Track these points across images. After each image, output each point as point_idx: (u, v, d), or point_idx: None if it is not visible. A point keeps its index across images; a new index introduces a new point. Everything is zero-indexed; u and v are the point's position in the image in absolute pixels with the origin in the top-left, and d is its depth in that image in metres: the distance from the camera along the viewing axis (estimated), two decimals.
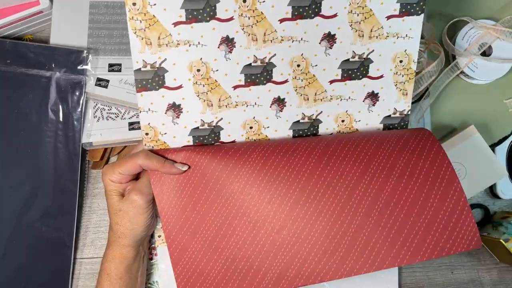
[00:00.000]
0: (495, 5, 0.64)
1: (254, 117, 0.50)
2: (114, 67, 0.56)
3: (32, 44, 0.56)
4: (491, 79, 0.63)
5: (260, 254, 0.47)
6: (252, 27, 0.46)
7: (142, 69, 0.46)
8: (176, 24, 0.45)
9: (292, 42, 0.48)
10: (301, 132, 0.52)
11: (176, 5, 0.44)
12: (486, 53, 0.62)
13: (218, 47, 0.46)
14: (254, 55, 0.48)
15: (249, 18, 0.46)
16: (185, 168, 0.48)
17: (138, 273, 0.51)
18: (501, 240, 0.58)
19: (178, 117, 0.49)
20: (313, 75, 0.50)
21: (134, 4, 0.43)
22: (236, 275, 0.46)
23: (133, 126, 0.57)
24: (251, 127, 0.51)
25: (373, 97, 0.52)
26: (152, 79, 0.47)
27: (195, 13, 0.44)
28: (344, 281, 0.57)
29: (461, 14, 0.63)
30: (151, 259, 0.56)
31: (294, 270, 0.46)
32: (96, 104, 0.57)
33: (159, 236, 0.55)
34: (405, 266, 0.62)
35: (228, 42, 0.46)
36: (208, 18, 0.45)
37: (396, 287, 0.59)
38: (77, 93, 0.56)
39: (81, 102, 0.56)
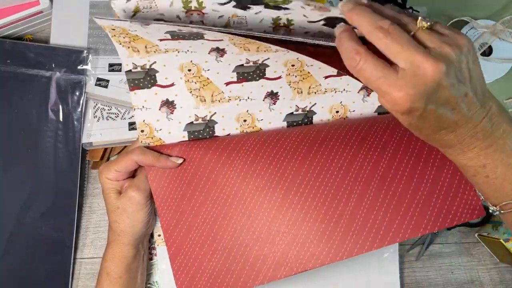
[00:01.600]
0: (495, 5, 0.64)
1: (247, 110, 0.51)
2: (114, 67, 0.56)
3: (32, 44, 0.56)
4: (491, 79, 0.63)
5: (258, 241, 0.46)
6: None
7: (133, 70, 0.47)
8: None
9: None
10: (295, 124, 0.52)
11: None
12: (486, 53, 0.62)
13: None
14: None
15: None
16: (180, 161, 0.48)
17: (138, 273, 0.51)
18: (501, 240, 0.58)
19: (172, 113, 0.49)
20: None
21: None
22: (234, 265, 0.46)
23: (133, 126, 0.57)
24: (245, 120, 0.51)
25: (368, 88, 0.52)
26: (143, 78, 0.47)
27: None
28: (343, 282, 0.57)
29: (461, 14, 0.63)
30: (151, 259, 0.56)
31: (293, 255, 0.45)
32: (96, 104, 0.57)
33: (159, 235, 0.55)
34: (406, 266, 0.62)
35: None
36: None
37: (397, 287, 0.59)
38: (77, 93, 0.56)
39: (81, 102, 0.56)
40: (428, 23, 0.34)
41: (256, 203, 0.47)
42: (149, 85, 0.48)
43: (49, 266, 0.55)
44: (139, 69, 0.47)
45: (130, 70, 0.47)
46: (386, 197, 0.46)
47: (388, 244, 0.45)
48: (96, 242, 0.58)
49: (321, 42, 0.40)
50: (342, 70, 0.44)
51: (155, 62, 0.47)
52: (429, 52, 0.32)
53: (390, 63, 0.34)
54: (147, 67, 0.47)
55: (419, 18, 0.34)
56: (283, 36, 0.40)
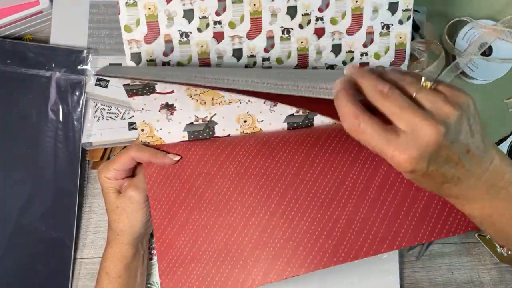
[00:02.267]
0: (495, 5, 0.64)
1: (247, 111, 0.51)
2: None
3: (32, 44, 0.56)
4: (491, 79, 0.63)
5: (250, 243, 0.46)
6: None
7: (131, 83, 0.46)
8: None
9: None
10: (295, 125, 0.52)
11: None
12: (486, 53, 0.62)
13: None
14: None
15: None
16: (177, 158, 0.49)
17: (137, 272, 0.51)
18: None
19: (172, 114, 0.49)
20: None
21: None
22: (223, 267, 0.45)
23: (133, 126, 0.57)
24: (245, 121, 0.51)
25: None
26: (142, 88, 0.47)
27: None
28: (343, 282, 0.57)
29: (461, 14, 0.63)
30: (151, 259, 0.56)
31: (285, 259, 0.44)
32: (96, 104, 0.57)
33: None
34: (406, 266, 0.62)
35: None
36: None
37: (397, 287, 0.59)
38: (77, 93, 0.56)
39: (81, 102, 0.56)
40: (431, 83, 0.34)
41: (251, 205, 0.47)
42: (148, 93, 0.47)
43: (49, 266, 0.55)
44: (137, 82, 0.46)
45: (128, 84, 0.46)
46: (384, 204, 0.46)
47: (384, 252, 0.45)
48: (96, 242, 0.58)
49: (317, 96, 0.38)
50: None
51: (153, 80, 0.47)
52: (428, 114, 0.33)
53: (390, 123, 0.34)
54: (145, 82, 0.46)
55: (423, 78, 0.34)
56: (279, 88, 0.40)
